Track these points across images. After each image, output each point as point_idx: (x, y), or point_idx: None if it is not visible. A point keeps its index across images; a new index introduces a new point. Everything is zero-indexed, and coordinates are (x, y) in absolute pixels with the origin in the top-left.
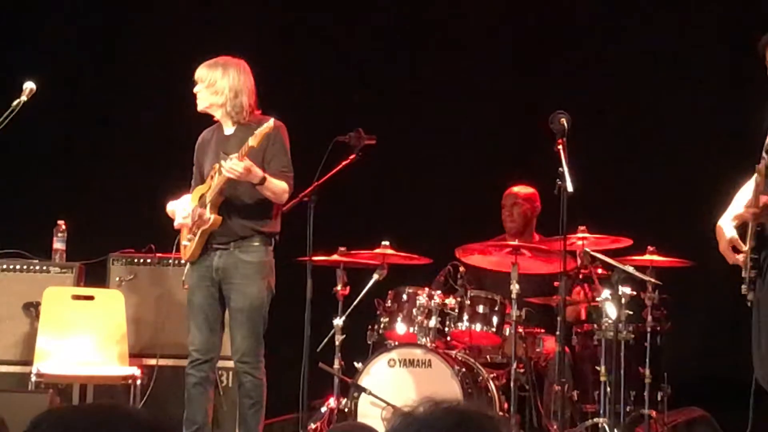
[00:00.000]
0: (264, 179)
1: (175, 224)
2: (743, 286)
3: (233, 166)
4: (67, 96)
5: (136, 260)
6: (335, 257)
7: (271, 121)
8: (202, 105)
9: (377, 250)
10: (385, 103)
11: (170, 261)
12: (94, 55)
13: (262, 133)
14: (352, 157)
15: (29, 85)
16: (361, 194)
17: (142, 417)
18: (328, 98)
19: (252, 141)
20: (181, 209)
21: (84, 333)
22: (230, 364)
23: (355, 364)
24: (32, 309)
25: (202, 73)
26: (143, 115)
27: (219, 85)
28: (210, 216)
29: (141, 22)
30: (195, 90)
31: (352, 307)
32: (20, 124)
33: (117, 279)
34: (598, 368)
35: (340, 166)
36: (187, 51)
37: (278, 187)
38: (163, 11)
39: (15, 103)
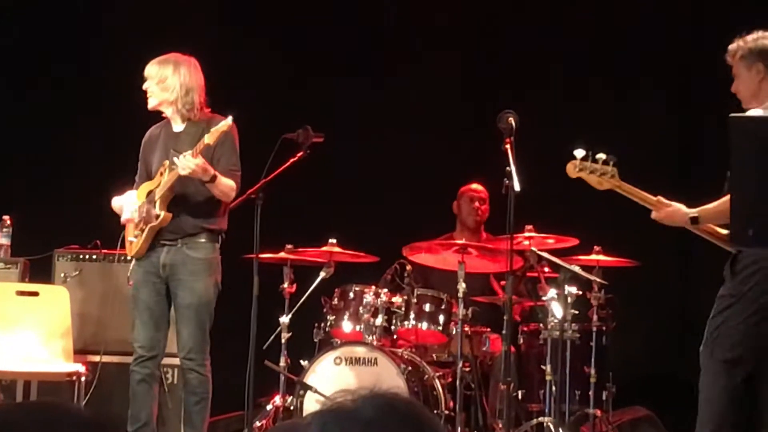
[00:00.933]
0: (215, 177)
1: (122, 220)
2: None
3: (187, 162)
4: (15, 92)
5: (81, 256)
6: (282, 255)
7: (229, 119)
8: (152, 102)
9: (324, 248)
10: (333, 100)
11: (115, 257)
12: (43, 52)
13: (219, 130)
14: (299, 154)
15: None
16: (308, 192)
17: (86, 415)
18: (275, 95)
19: (208, 138)
20: (128, 205)
21: (28, 329)
22: (175, 361)
23: (301, 362)
24: None
25: (152, 70)
26: (89, 111)
27: (170, 82)
28: (160, 213)
29: (91, 19)
30: (145, 87)
31: (298, 304)
32: None
33: (62, 275)
34: (543, 367)
35: (288, 163)
36: (137, 48)
37: (227, 185)
38: (113, 7)
39: None
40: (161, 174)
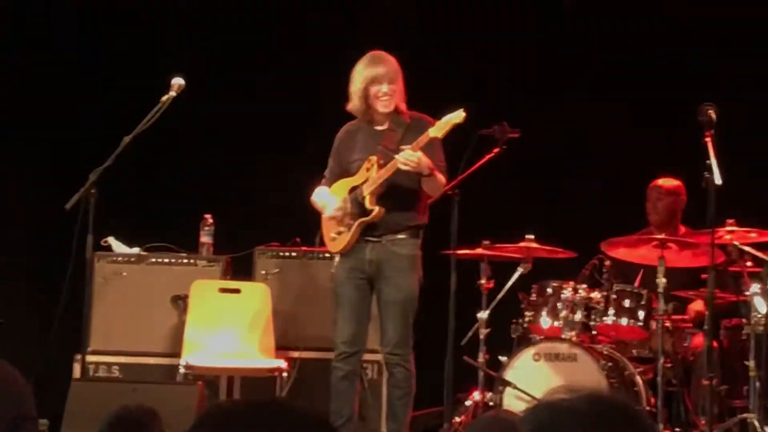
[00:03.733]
0: (432, 171)
1: (326, 215)
2: None
3: (409, 156)
4: (214, 90)
5: (281, 253)
6: (479, 251)
7: (461, 113)
8: (392, 105)
9: (522, 244)
10: (530, 94)
11: (315, 254)
12: (233, 49)
13: (451, 122)
14: (496, 150)
15: (178, 81)
16: (505, 188)
17: (307, 413)
18: (472, 92)
19: (435, 131)
20: (333, 201)
21: (230, 326)
22: (375, 356)
23: (500, 357)
24: (180, 302)
25: (393, 73)
26: (288, 107)
27: (400, 83)
28: (373, 208)
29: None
30: (385, 90)
31: (496, 300)
32: (168, 119)
33: (263, 272)
34: (746, 363)
35: (484, 159)
36: (333, 51)
37: (440, 180)
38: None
39: (164, 98)
40: (367, 170)
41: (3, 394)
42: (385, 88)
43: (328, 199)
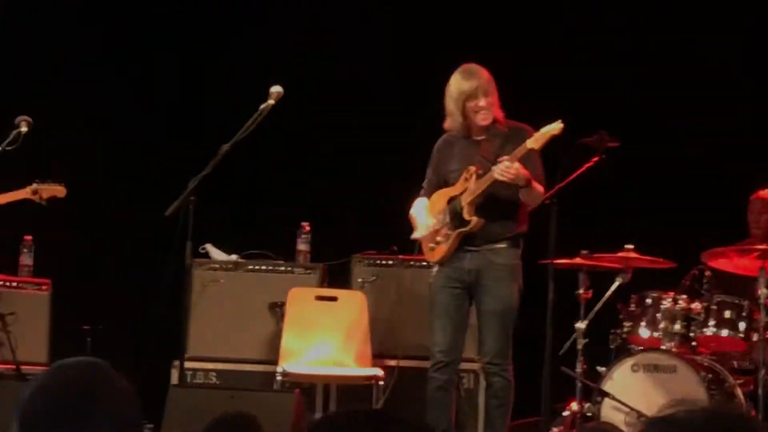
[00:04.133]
0: (529, 181)
1: (421, 233)
2: None
3: (507, 167)
4: (310, 99)
5: (378, 261)
6: (577, 260)
7: (559, 124)
8: (490, 118)
9: (620, 254)
10: (628, 104)
11: (412, 262)
12: (331, 58)
13: (548, 134)
14: (594, 159)
15: (277, 89)
16: (604, 197)
17: (415, 423)
18: (571, 100)
19: (532, 143)
20: (425, 222)
21: (327, 333)
22: (472, 366)
23: (598, 368)
24: (277, 309)
25: (486, 86)
26: (385, 116)
27: (495, 94)
28: (471, 218)
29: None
30: (482, 104)
31: (594, 310)
32: (267, 127)
33: (359, 280)
34: None
35: (583, 168)
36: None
37: (538, 190)
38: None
39: (263, 106)
40: (465, 180)
41: (111, 400)
42: (482, 102)
43: (422, 220)
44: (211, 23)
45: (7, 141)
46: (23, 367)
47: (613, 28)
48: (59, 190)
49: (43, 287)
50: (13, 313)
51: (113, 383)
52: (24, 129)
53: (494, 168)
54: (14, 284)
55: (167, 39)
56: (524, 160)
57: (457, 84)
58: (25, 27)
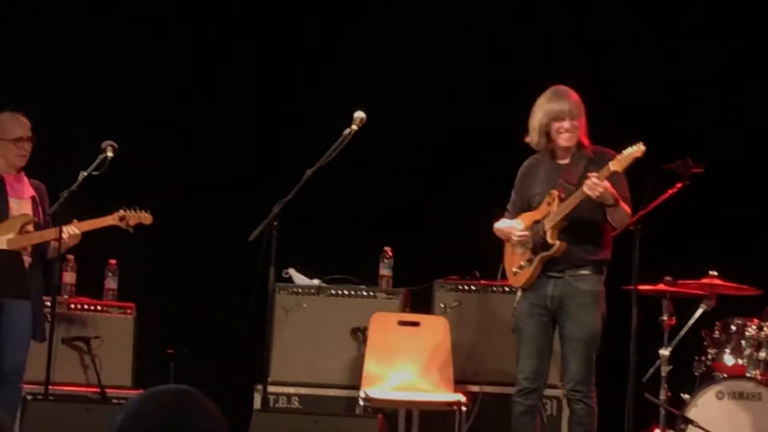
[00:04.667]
0: (617, 201)
1: (513, 240)
2: None
3: (596, 183)
4: (393, 123)
5: (460, 287)
6: (661, 286)
7: (641, 146)
8: (573, 140)
9: (704, 280)
10: (711, 129)
11: (494, 288)
12: (417, 80)
13: (631, 156)
14: (678, 185)
15: (360, 114)
16: (688, 223)
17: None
18: (655, 125)
19: (615, 165)
20: (518, 224)
21: (409, 358)
22: (555, 392)
23: (682, 395)
24: (359, 334)
25: (575, 109)
26: (468, 140)
27: (582, 118)
28: (554, 242)
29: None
30: (566, 126)
31: (678, 337)
32: (350, 152)
33: (442, 305)
34: None
35: (667, 194)
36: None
37: (625, 211)
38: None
39: (346, 131)
40: (548, 204)
41: (201, 427)
42: (567, 124)
43: (513, 222)
44: (296, 47)
45: (93, 166)
46: (108, 390)
47: (697, 51)
48: (146, 218)
49: (128, 311)
50: (99, 336)
51: (204, 411)
52: (110, 154)
53: (585, 183)
54: (99, 308)
55: (250, 61)
56: (611, 182)
57: (545, 103)
58: (113, 51)
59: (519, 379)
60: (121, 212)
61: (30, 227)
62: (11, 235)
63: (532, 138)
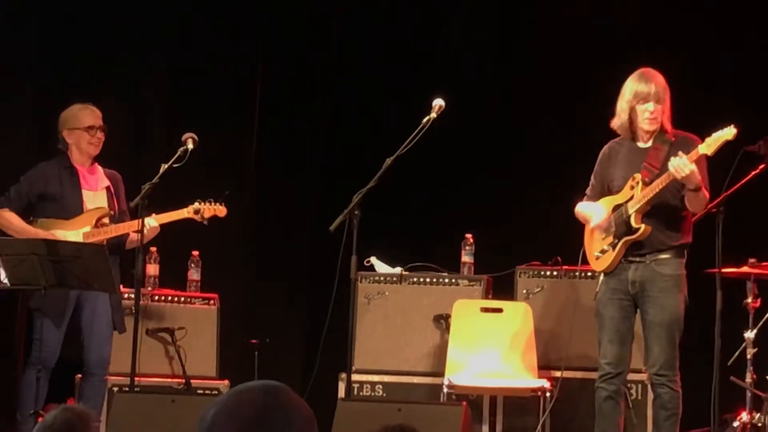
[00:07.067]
0: (699, 186)
1: (592, 225)
2: None
3: (683, 164)
4: (473, 110)
5: (543, 272)
6: (745, 269)
7: (732, 128)
8: (657, 123)
9: None
10: None
11: (577, 273)
12: (499, 66)
13: (721, 139)
14: (761, 166)
15: (438, 102)
16: None
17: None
18: (735, 108)
19: (705, 149)
20: (598, 213)
21: (493, 345)
22: (639, 376)
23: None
24: (442, 321)
25: (662, 92)
26: (546, 127)
27: (667, 102)
28: (639, 226)
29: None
30: (651, 109)
31: (763, 320)
32: (430, 139)
33: (524, 291)
34: None
35: (749, 176)
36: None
37: (704, 197)
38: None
39: (425, 119)
40: (631, 188)
41: (290, 424)
42: (651, 106)
43: (594, 208)
44: (373, 34)
45: (174, 158)
46: (193, 380)
47: None
48: (220, 210)
49: (211, 302)
50: (183, 327)
51: (293, 406)
52: (190, 146)
53: (671, 162)
54: (183, 299)
55: (324, 49)
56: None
57: (631, 85)
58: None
59: (601, 365)
60: (196, 205)
61: (106, 220)
62: (87, 228)
63: (618, 120)
